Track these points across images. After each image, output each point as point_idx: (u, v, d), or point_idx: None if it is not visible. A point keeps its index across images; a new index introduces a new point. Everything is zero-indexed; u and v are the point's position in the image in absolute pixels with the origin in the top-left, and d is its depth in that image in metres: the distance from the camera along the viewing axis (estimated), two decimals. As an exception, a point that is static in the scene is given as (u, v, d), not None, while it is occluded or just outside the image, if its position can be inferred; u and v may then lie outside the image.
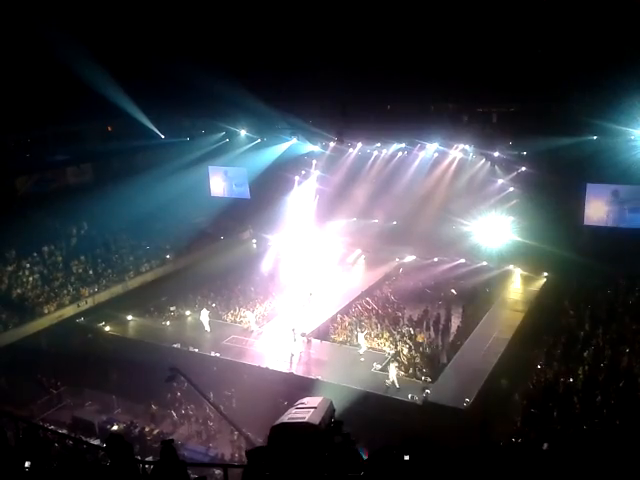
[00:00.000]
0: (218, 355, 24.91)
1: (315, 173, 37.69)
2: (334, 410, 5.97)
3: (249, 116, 33.01)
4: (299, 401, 6.11)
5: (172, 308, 29.69)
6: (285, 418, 5.15)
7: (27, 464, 7.54)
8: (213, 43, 28.78)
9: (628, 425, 16.83)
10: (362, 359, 24.10)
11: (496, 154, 31.23)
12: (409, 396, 20.99)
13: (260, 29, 28.70)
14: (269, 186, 37.08)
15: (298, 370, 23.38)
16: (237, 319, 28.54)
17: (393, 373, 21.75)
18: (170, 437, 17.70)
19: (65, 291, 29.57)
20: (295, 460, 4.30)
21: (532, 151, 30.05)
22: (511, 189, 32.39)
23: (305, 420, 5.02)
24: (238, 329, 27.39)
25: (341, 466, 4.60)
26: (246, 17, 28.56)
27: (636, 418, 17.18)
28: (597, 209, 29.89)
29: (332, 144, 35.34)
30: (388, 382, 21.83)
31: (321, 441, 4.79)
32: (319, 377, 22.37)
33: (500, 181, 32.32)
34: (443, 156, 32.92)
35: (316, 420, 5.07)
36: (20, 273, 29.89)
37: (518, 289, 30.64)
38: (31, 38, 26.24)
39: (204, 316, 27.20)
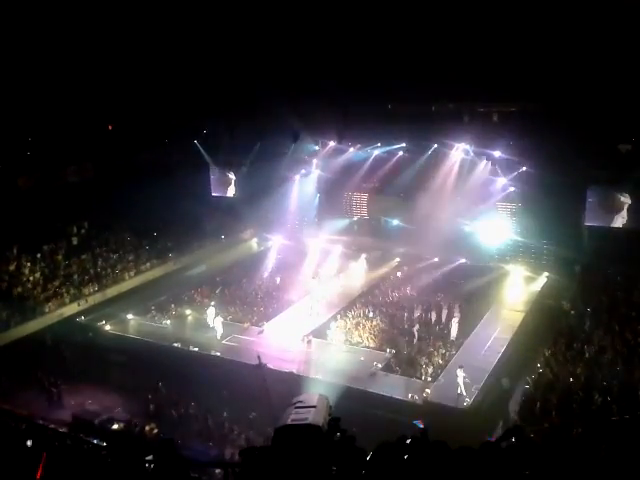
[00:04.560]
0: (218, 354, 24.93)
1: (315, 172, 37.69)
2: (331, 407, 5.99)
3: (251, 116, 33.01)
4: (295, 399, 6.11)
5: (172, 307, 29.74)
6: (288, 419, 5.15)
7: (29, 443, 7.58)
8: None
9: (627, 425, 16.83)
10: (362, 358, 24.14)
11: (497, 154, 31.23)
12: (409, 395, 21.01)
13: (261, 31, 28.71)
14: (270, 186, 37.09)
15: (298, 369, 23.37)
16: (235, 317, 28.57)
17: (461, 380, 21.09)
18: (170, 436, 17.70)
19: (66, 290, 29.58)
20: (301, 462, 4.31)
21: (533, 151, 30.04)
22: (512, 189, 32.39)
23: (309, 421, 5.05)
24: (238, 328, 27.40)
25: (343, 464, 4.60)
26: (248, 18, 28.56)
27: (635, 418, 17.18)
28: (597, 209, 29.88)
29: (332, 144, 35.37)
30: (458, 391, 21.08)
31: (324, 441, 4.81)
32: (319, 376, 22.39)
33: (501, 181, 32.32)
34: (443, 156, 32.90)
35: (319, 420, 5.10)
36: (21, 272, 29.92)
37: (518, 289, 30.66)
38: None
39: (218, 323, 26.80)
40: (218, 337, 26.44)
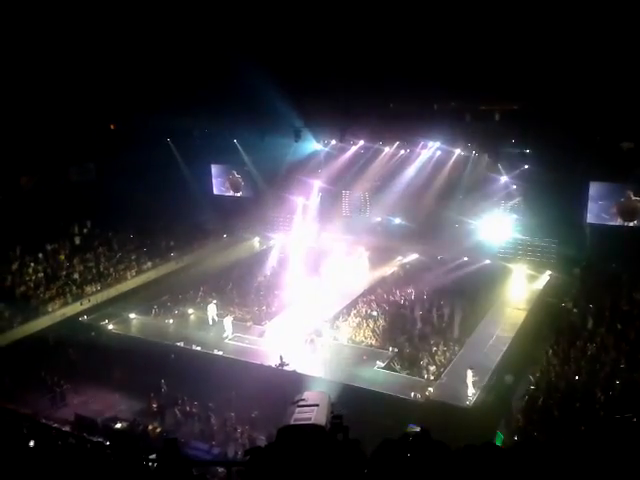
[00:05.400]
0: (221, 353, 24.96)
1: (318, 171, 37.67)
2: (333, 404, 5.99)
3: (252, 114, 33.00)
4: (297, 397, 6.10)
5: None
6: (291, 419, 5.16)
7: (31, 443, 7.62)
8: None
9: (629, 424, 16.81)
10: (364, 357, 24.17)
11: (499, 152, 31.17)
12: (411, 394, 21.01)
13: (263, 28, 28.70)
14: (272, 184, 37.11)
15: (301, 368, 23.39)
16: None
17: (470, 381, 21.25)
18: (173, 435, 17.74)
19: (68, 289, 29.63)
20: (305, 463, 4.32)
21: (535, 149, 30.02)
22: (514, 187, 32.37)
23: (312, 421, 5.06)
24: (241, 327, 27.42)
25: (345, 464, 4.60)
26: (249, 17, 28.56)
27: (637, 417, 17.16)
28: (600, 207, 29.86)
29: (335, 142, 35.34)
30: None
31: (327, 441, 4.81)
32: (322, 375, 22.41)
33: (503, 179, 32.29)
34: (446, 154, 32.86)
35: (322, 420, 5.11)
36: (24, 271, 29.97)
37: (521, 287, 30.63)
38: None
39: (227, 322, 26.73)
40: (227, 336, 26.39)
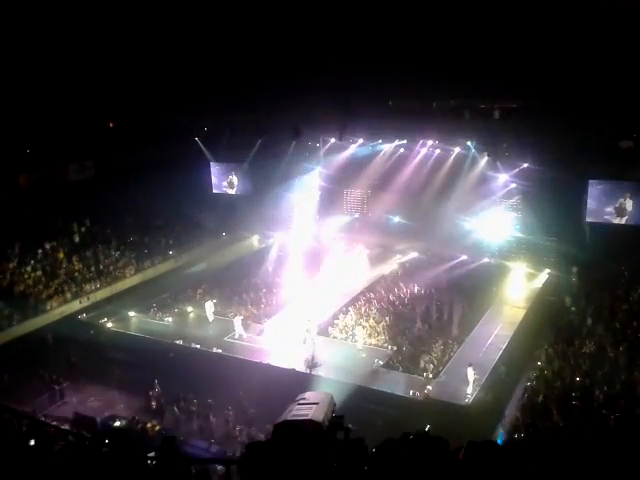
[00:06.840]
0: (220, 352, 24.95)
1: (317, 169, 37.65)
2: (335, 404, 5.99)
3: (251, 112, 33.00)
4: (300, 396, 6.10)
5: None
6: (288, 415, 5.15)
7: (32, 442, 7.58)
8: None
9: (627, 423, 16.83)
10: (363, 355, 24.18)
11: (498, 150, 31.17)
12: (410, 392, 21.03)
13: (261, 25, 28.66)
14: (271, 182, 37.08)
15: (300, 366, 23.39)
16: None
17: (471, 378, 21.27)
18: (172, 433, 17.73)
19: (67, 287, 29.60)
20: (299, 458, 4.31)
21: (534, 147, 30.02)
22: (513, 185, 32.36)
23: (309, 417, 5.04)
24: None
25: (345, 462, 4.59)
26: (247, 15, 28.53)
27: (635, 416, 17.18)
28: (599, 205, 29.85)
29: (334, 140, 35.33)
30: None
31: (325, 438, 4.80)
32: (320, 373, 22.41)
33: (502, 177, 32.28)
34: (445, 152, 32.86)
35: (320, 417, 5.09)
36: (23, 269, 29.93)
37: (520, 285, 30.64)
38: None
39: (237, 324, 26.59)
40: (240, 336, 26.35)
